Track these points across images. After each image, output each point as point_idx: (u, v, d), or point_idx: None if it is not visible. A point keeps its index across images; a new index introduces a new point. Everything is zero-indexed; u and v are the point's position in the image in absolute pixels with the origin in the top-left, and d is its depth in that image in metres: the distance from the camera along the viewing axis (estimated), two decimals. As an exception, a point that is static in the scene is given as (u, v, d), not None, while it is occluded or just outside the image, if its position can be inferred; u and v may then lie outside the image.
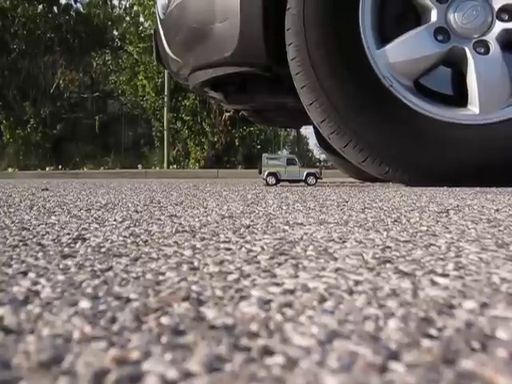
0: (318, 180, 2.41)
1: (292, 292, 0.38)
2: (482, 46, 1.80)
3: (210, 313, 0.33)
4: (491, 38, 1.80)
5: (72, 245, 0.58)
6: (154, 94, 8.83)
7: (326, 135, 1.87)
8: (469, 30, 1.81)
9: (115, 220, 0.81)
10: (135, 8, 9.96)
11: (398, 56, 1.80)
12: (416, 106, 1.79)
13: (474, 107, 1.79)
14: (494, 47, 1.79)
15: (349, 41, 1.81)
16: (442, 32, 1.82)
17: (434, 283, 0.40)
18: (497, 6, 1.81)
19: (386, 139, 1.80)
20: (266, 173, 2.35)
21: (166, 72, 7.43)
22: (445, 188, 1.76)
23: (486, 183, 1.78)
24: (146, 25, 9.35)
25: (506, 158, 1.77)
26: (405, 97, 1.80)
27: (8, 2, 8.50)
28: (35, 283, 0.41)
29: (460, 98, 1.84)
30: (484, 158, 1.78)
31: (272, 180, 2.35)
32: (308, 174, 2.35)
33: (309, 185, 2.34)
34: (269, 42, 1.91)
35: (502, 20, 1.81)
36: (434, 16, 1.82)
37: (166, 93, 8.48)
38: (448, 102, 1.85)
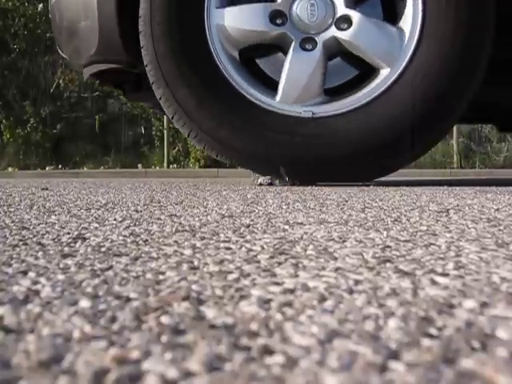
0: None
1: (292, 291, 0.38)
2: (341, 23, 1.80)
3: (210, 312, 0.33)
4: (342, 10, 1.79)
5: (72, 244, 0.58)
6: (154, 94, 8.79)
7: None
8: (323, 21, 1.80)
9: (115, 219, 0.81)
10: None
11: (296, 90, 1.81)
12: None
13: (382, 70, 1.79)
14: (352, 14, 1.78)
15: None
16: (306, 41, 1.82)
17: (434, 282, 0.40)
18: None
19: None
20: (259, 180, 2.37)
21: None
22: (445, 187, 1.76)
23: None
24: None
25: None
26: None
27: (10, 4, 8.51)
28: (35, 282, 0.41)
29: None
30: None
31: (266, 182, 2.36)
32: None
33: None
34: (126, 38, 1.93)
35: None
36: (290, 37, 1.82)
37: (166, 92, 8.44)
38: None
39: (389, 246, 0.56)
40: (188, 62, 1.84)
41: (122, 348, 0.27)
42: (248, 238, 0.63)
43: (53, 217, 0.85)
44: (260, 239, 0.61)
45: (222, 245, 0.58)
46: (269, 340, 0.28)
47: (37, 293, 0.38)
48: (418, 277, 0.42)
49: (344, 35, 1.79)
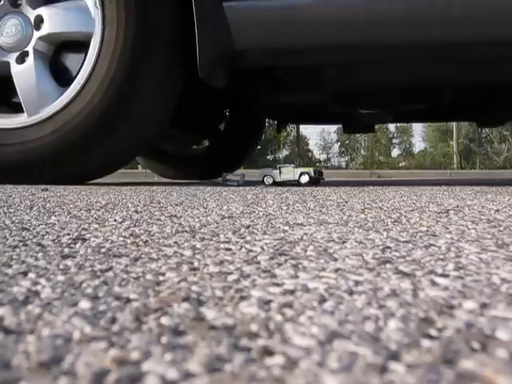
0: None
1: (292, 292, 0.38)
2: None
3: (209, 313, 0.33)
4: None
5: (72, 245, 0.58)
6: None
7: None
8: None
9: (115, 220, 0.81)
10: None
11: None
12: None
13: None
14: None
15: None
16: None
17: (434, 283, 0.40)
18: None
19: None
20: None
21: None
22: (444, 188, 1.76)
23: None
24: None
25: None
26: None
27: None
28: (35, 283, 0.41)
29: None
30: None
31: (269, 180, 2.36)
32: None
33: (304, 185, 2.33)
34: None
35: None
36: (7, 59, 1.91)
37: (165, 93, 8.43)
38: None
39: (389, 247, 0.56)
40: None
41: (122, 349, 0.27)
42: (248, 238, 0.63)
43: (53, 217, 0.85)
44: (260, 240, 0.61)
45: (221, 246, 0.58)
46: (269, 341, 0.28)
47: (37, 294, 0.38)
48: (418, 278, 0.42)
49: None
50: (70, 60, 1.97)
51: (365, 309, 0.34)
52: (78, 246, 0.58)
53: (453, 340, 0.28)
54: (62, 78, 1.92)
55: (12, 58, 1.91)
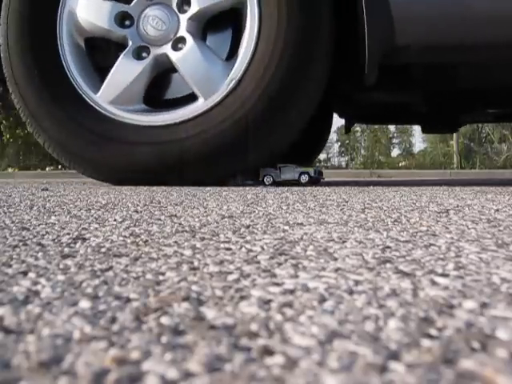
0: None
1: (292, 292, 0.38)
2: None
3: (209, 313, 0.33)
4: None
5: (72, 245, 0.58)
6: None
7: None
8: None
9: (115, 220, 0.81)
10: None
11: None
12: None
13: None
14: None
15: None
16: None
17: (434, 283, 0.40)
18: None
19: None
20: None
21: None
22: (444, 188, 1.76)
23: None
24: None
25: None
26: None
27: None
28: (35, 283, 0.41)
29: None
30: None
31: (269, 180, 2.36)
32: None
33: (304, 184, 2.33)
34: None
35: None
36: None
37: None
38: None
39: (389, 247, 0.56)
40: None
41: (122, 349, 0.27)
42: (248, 238, 0.63)
43: (53, 217, 0.85)
44: (260, 240, 0.61)
45: (221, 245, 0.58)
46: (269, 341, 0.28)
47: (37, 293, 0.38)
48: (418, 277, 0.42)
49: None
50: (220, 37, 1.92)
51: (365, 308, 0.34)
52: (77, 245, 0.58)
53: (453, 340, 0.28)
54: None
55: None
